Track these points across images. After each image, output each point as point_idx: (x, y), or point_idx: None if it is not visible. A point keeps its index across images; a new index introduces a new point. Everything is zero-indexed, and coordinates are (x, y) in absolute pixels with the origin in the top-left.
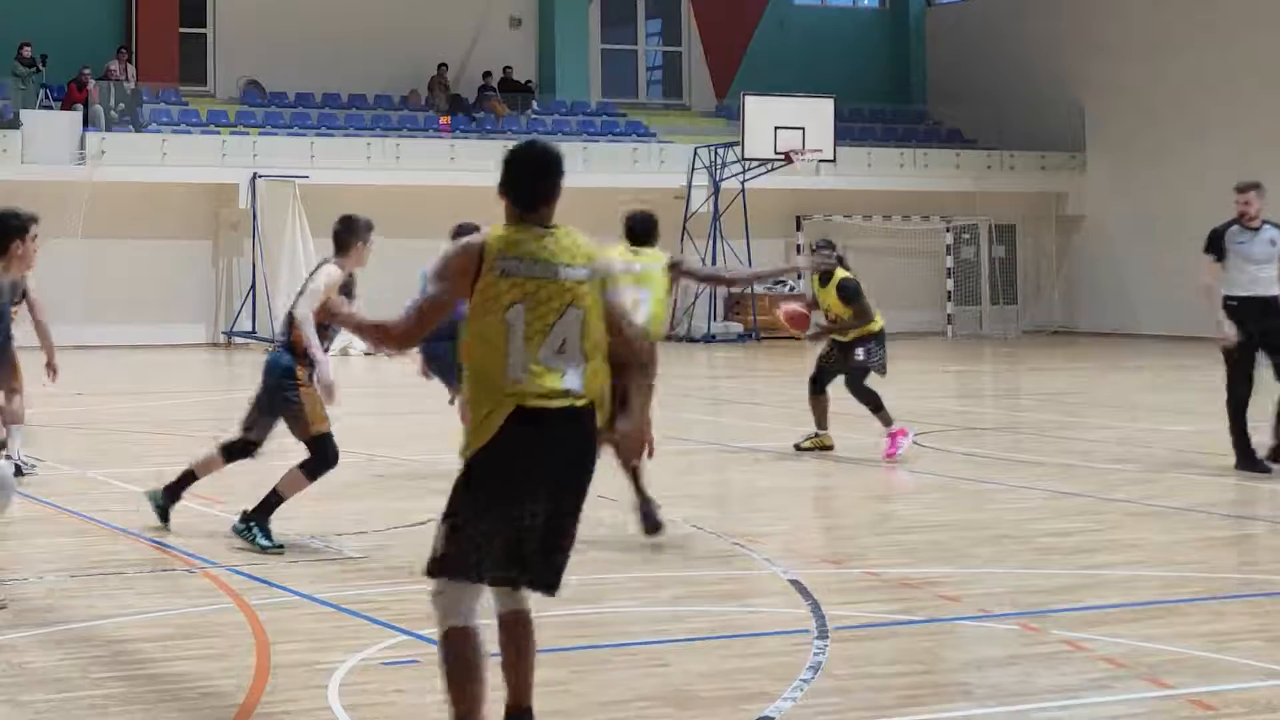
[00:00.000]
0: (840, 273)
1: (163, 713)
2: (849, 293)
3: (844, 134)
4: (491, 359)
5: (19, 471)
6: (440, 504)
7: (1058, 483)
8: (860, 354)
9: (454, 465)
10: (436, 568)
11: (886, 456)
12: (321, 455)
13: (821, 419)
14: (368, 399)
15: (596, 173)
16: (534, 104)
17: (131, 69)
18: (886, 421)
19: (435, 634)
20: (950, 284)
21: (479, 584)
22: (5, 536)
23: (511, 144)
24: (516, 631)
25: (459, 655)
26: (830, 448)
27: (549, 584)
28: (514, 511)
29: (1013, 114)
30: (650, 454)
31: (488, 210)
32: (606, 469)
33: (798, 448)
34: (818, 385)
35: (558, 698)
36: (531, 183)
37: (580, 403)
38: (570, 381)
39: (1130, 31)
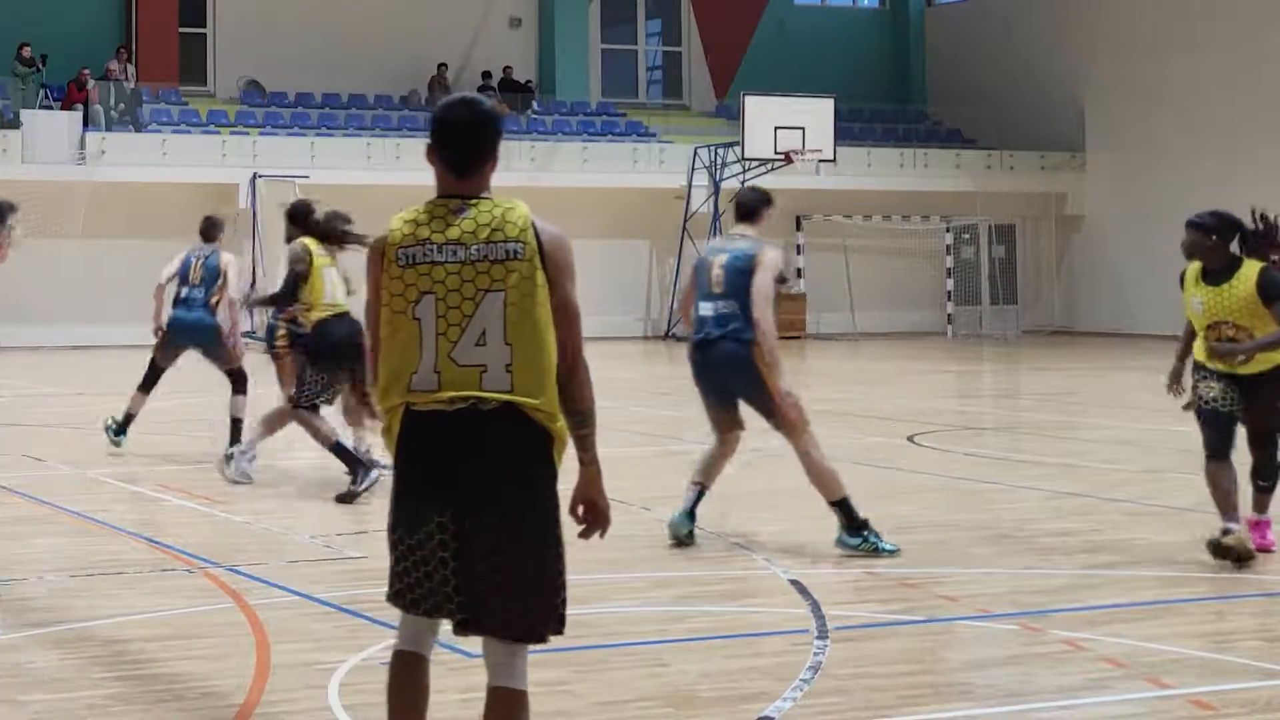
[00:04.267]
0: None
1: (163, 713)
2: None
3: (844, 134)
4: (402, 360)
5: None
6: None
7: (1058, 482)
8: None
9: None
10: (388, 591)
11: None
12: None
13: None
14: None
15: (596, 173)
16: (534, 104)
17: (131, 69)
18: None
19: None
20: (950, 284)
21: (412, 613)
22: (4, 536)
23: (513, 144)
24: (490, 711)
25: (392, 679)
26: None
27: (496, 628)
28: (416, 531)
29: (1013, 114)
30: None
31: None
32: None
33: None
34: None
35: (559, 698)
36: (455, 143)
37: (488, 404)
38: (492, 383)
39: (1130, 31)
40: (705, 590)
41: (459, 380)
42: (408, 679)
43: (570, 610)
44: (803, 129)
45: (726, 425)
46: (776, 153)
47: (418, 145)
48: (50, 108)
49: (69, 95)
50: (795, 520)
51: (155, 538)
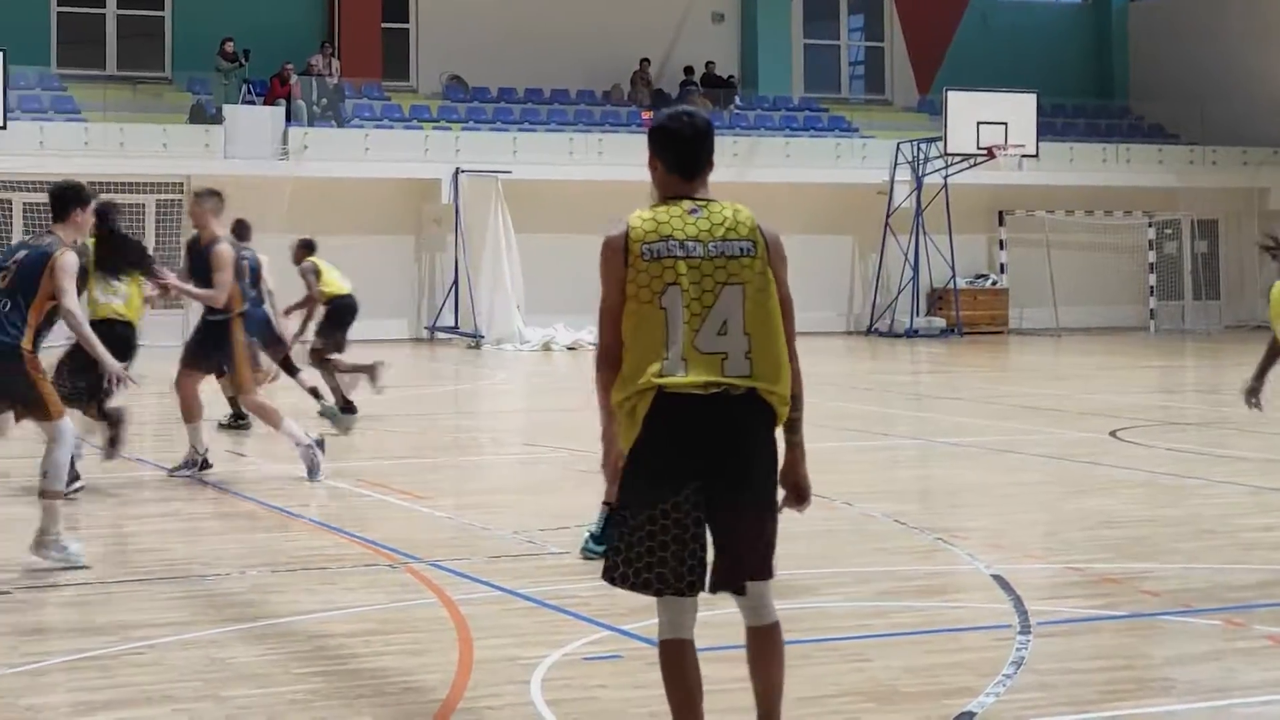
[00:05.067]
0: None
1: (364, 708)
2: None
3: (1046, 129)
4: (644, 352)
5: None
6: None
7: (1261, 478)
8: None
9: None
10: (607, 575)
11: None
12: None
13: None
14: (570, 394)
15: (799, 168)
16: (736, 99)
17: (336, 63)
18: None
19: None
20: (1153, 279)
21: (667, 597)
22: (207, 532)
23: (715, 140)
24: (754, 646)
25: (668, 672)
26: None
27: (732, 583)
28: (662, 502)
29: (1215, 109)
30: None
31: None
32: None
33: None
34: None
35: (745, 693)
36: (686, 151)
37: (737, 390)
38: (733, 369)
39: None
40: (907, 585)
41: (703, 365)
42: (680, 668)
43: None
44: (1005, 124)
45: None
46: (979, 148)
47: (620, 140)
48: (253, 103)
49: (271, 91)
50: (998, 515)
51: (357, 533)
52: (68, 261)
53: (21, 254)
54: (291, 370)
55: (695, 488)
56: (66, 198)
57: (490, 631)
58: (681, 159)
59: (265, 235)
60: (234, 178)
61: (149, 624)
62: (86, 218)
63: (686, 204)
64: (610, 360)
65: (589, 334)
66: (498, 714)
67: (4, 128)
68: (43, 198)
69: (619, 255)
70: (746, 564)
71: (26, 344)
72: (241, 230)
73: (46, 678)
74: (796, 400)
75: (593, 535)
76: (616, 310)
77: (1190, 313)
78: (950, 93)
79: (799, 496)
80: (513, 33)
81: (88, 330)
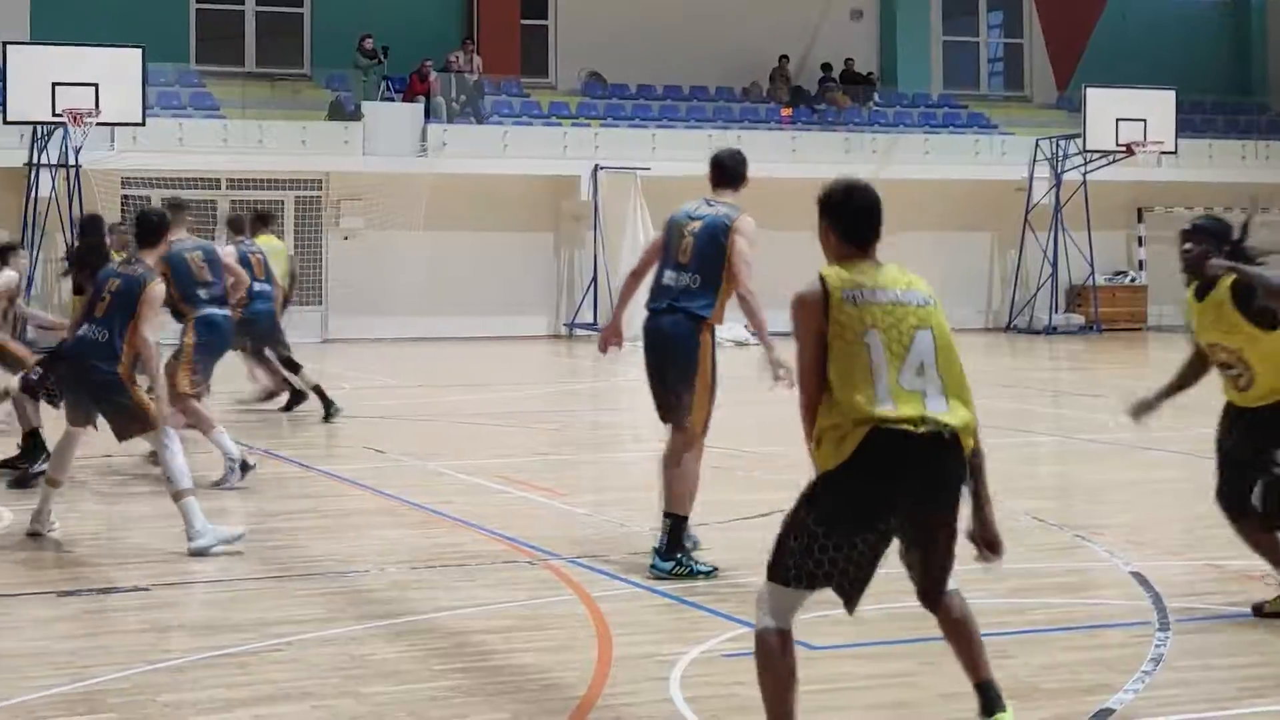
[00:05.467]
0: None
1: (504, 704)
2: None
3: (1185, 126)
4: (853, 384)
5: None
6: (778, 498)
7: None
8: None
9: (792, 460)
10: (773, 573)
11: None
12: None
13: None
14: None
15: (938, 164)
16: (875, 96)
17: (478, 59)
18: None
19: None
20: None
21: (808, 591)
22: (347, 529)
23: (854, 136)
24: (946, 620)
25: (766, 659)
26: None
27: (926, 601)
28: (862, 531)
29: None
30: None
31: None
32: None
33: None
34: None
35: (902, 689)
36: (864, 221)
37: (945, 430)
38: (934, 405)
39: None
40: (1044, 582)
41: (909, 401)
42: (783, 656)
43: (912, 604)
44: (1144, 121)
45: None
46: (1117, 145)
47: (758, 137)
48: (391, 100)
49: (410, 87)
50: (1137, 511)
51: (497, 530)
52: (158, 293)
53: (116, 282)
54: (295, 367)
55: (898, 522)
56: (155, 224)
57: (629, 628)
58: (858, 229)
59: (405, 232)
60: (373, 175)
61: (288, 621)
62: (165, 243)
63: (868, 262)
64: (815, 415)
65: (727, 331)
66: (636, 711)
67: (143, 124)
68: (181, 194)
69: (818, 307)
70: (939, 585)
71: (124, 371)
72: (238, 225)
73: (185, 675)
74: (978, 449)
75: (657, 550)
76: (816, 364)
77: None
78: (1089, 89)
79: (994, 549)
80: (651, 29)
81: (158, 363)
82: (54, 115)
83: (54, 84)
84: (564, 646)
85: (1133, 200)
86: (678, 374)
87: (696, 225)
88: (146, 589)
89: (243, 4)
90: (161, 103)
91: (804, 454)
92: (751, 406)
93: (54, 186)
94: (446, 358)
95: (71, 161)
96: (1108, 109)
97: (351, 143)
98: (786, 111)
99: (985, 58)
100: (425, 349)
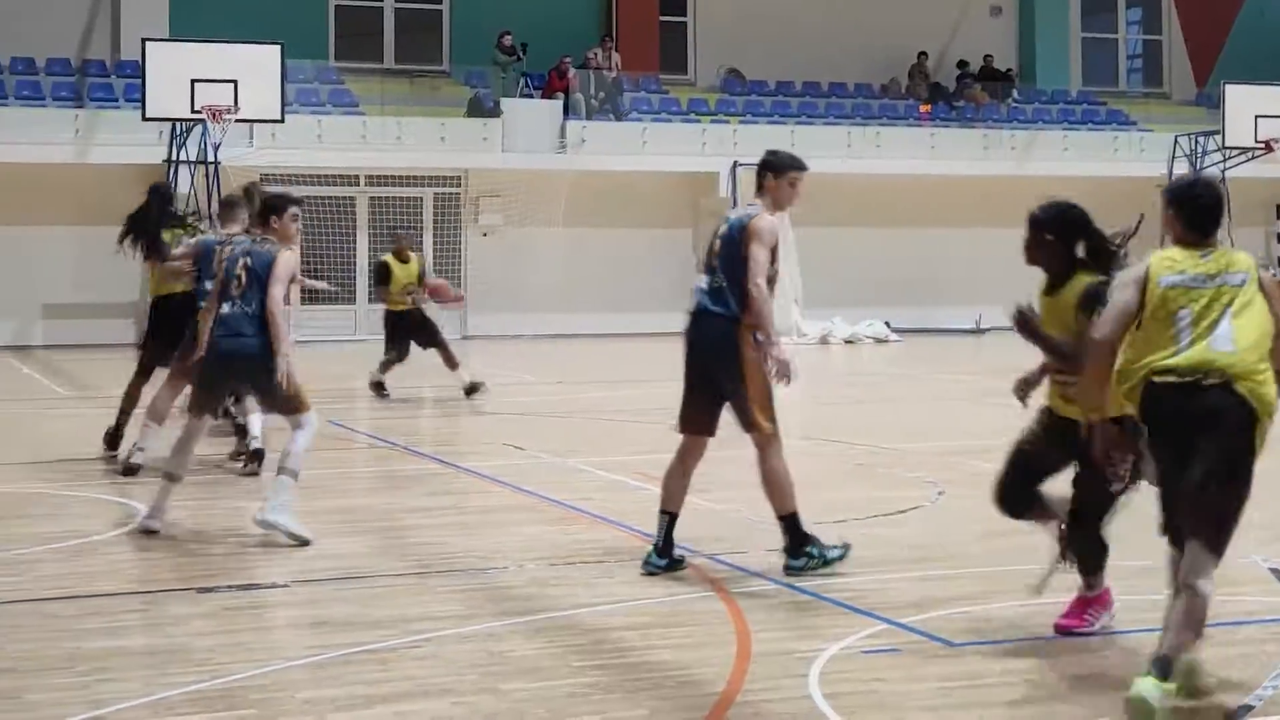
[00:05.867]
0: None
1: (643, 701)
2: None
3: None
4: (1156, 348)
5: None
6: (916, 495)
7: None
8: None
9: (924, 458)
10: (1222, 550)
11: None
12: None
13: None
14: (847, 387)
15: (1077, 161)
16: (1014, 93)
17: (616, 56)
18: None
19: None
20: None
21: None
22: (487, 525)
23: (993, 134)
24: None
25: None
26: None
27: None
28: (1166, 479)
29: None
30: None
31: (964, 199)
32: None
33: None
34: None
35: (1024, 686)
36: (1209, 215)
37: (1212, 380)
38: (1229, 366)
39: None
40: None
41: (1203, 364)
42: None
43: (1049, 599)
44: None
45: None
46: (1256, 141)
47: (897, 134)
48: (530, 96)
49: (549, 84)
50: (1274, 509)
51: (636, 526)
52: (289, 260)
53: (247, 259)
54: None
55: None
56: (272, 205)
57: (767, 625)
58: (1200, 220)
59: (543, 229)
60: (511, 171)
61: (427, 617)
62: (284, 224)
63: (1198, 251)
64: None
65: (866, 327)
66: (776, 707)
67: (282, 121)
68: (320, 191)
69: (1136, 286)
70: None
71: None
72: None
73: (324, 671)
74: None
75: (786, 550)
76: (1116, 336)
77: None
78: (1228, 86)
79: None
80: (790, 26)
81: (282, 326)
82: (193, 112)
83: (193, 81)
84: (702, 643)
85: (1271, 197)
86: (728, 381)
87: (724, 228)
88: (285, 585)
89: (382, 1)
90: (300, 99)
91: (939, 452)
92: (891, 404)
93: (193, 183)
94: (584, 354)
95: (210, 158)
96: (1247, 106)
97: (490, 139)
98: (925, 108)
99: (1124, 54)
100: (563, 345)
